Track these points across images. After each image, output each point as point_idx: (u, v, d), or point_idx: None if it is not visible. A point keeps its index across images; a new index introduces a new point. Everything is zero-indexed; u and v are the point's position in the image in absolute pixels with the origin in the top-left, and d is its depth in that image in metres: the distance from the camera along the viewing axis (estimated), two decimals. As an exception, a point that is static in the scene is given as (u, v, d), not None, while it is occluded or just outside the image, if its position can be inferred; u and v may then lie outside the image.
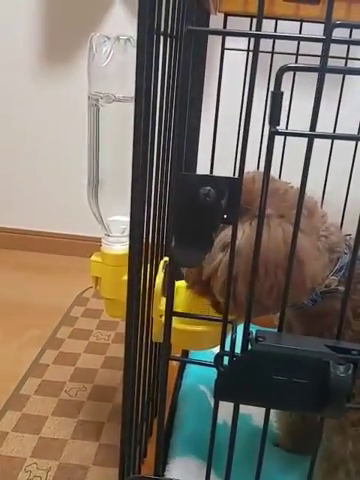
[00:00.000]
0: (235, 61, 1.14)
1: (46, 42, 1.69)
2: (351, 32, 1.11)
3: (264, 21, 1.12)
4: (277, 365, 0.46)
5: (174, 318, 0.71)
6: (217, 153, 1.08)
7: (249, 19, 1.13)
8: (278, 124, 0.40)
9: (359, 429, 0.71)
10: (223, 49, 1.10)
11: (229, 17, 1.11)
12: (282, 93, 0.39)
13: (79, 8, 1.63)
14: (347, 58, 1.16)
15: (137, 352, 0.56)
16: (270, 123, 0.40)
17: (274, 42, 1.15)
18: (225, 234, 0.59)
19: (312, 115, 0.40)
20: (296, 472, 0.87)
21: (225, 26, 1.12)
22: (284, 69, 0.40)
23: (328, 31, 0.38)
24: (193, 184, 0.44)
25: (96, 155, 0.66)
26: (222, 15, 1.11)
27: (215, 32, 0.42)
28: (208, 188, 0.44)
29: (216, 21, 1.10)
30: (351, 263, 0.47)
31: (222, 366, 0.49)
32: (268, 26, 1.12)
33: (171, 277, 0.49)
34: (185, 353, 1.10)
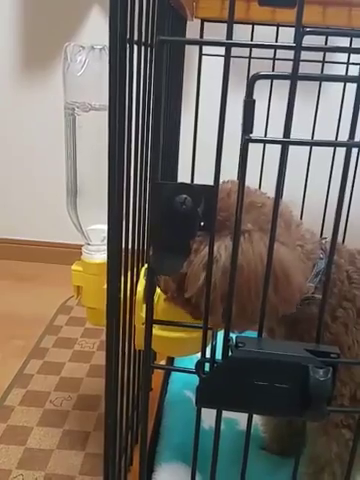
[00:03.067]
0: (215, 65, 1.15)
1: (25, 51, 1.68)
2: (327, 38, 1.12)
3: (242, 26, 1.13)
4: (258, 370, 0.46)
5: (157, 325, 0.71)
6: (199, 160, 1.08)
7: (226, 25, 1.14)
8: (251, 132, 0.40)
9: (342, 430, 0.71)
10: (201, 55, 1.10)
11: (207, 23, 1.12)
12: (254, 101, 0.39)
13: (57, 17, 1.63)
14: (323, 62, 1.18)
15: (119, 361, 0.56)
16: (243, 131, 0.40)
17: (251, 49, 1.16)
18: (206, 252, 0.59)
19: (285, 122, 0.41)
20: (282, 475, 0.87)
21: (202, 32, 1.12)
22: (256, 77, 0.40)
23: (298, 38, 0.38)
24: (169, 192, 0.44)
25: (74, 164, 0.66)
26: (199, 21, 1.13)
27: (186, 42, 0.43)
28: (184, 196, 0.44)
29: (194, 26, 1.10)
30: (327, 268, 0.47)
31: (203, 373, 0.49)
32: (246, 30, 1.14)
33: (150, 285, 0.49)
34: (170, 360, 1.10)
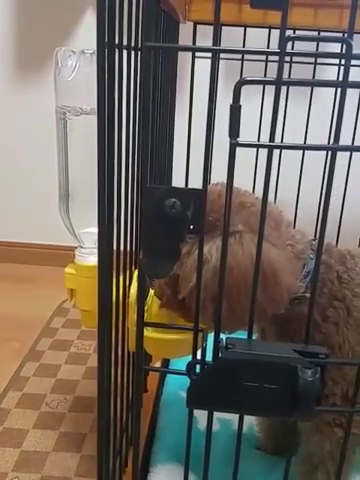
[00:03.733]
0: (209, 67, 1.15)
1: (18, 54, 1.69)
2: (319, 33, 1.13)
3: (234, 28, 1.13)
4: (247, 371, 0.47)
5: (150, 327, 0.72)
6: (194, 163, 1.09)
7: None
8: (238, 136, 0.41)
9: (335, 429, 0.72)
10: (194, 58, 1.11)
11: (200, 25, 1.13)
12: (240, 106, 0.40)
13: (51, 20, 1.63)
14: (315, 64, 1.18)
15: (111, 363, 0.56)
16: (230, 135, 0.41)
17: (243, 45, 1.17)
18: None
19: (271, 126, 0.41)
20: (277, 474, 0.88)
21: (195, 35, 1.13)
22: (242, 82, 0.40)
23: (282, 44, 0.39)
24: (159, 196, 0.45)
25: (65, 167, 0.66)
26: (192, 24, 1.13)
27: (172, 48, 0.43)
28: (173, 200, 0.45)
29: (189, 28, 1.11)
30: (315, 269, 0.48)
31: (194, 374, 0.49)
32: (240, 32, 1.15)
33: (141, 288, 0.49)
34: (165, 361, 1.10)
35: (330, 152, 0.41)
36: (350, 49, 0.39)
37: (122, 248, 0.62)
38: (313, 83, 0.42)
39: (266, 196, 0.44)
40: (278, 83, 0.40)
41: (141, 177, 0.45)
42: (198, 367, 0.49)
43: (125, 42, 0.55)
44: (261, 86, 1.15)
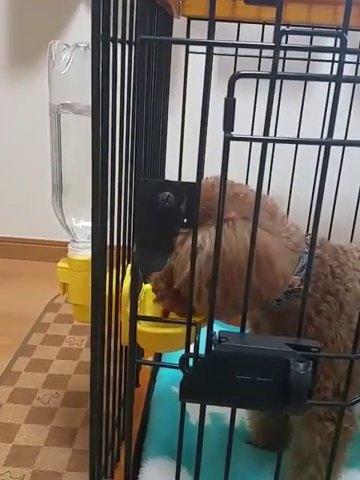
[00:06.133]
0: (202, 62, 1.15)
1: (11, 49, 1.68)
2: (313, 29, 1.13)
3: (228, 24, 1.13)
4: (240, 365, 0.47)
5: (143, 321, 0.72)
6: (188, 157, 1.09)
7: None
8: (232, 130, 0.41)
9: (326, 423, 0.72)
10: (187, 53, 1.11)
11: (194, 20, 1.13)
12: (234, 100, 0.40)
13: (44, 15, 1.62)
14: (309, 60, 1.19)
15: (104, 357, 0.56)
16: (224, 129, 0.41)
17: (237, 39, 1.17)
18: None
19: (265, 120, 0.41)
20: (268, 469, 0.88)
21: (188, 30, 1.13)
22: (236, 76, 0.40)
23: (277, 38, 0.39)
24: (152, 189, 0.45)
25: (59, 162, 0.66)
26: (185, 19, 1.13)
27: (167, 41, 0.43)
28: (167, 193, 0.45)
29: (182, 24, 1.11)
30: (308, 263, 0.48)
31: (187, 368, 0.50)
32: (234, 28, 1.15)
33: (134, 282, 0.49)
34: (158, 355, 1.11)
35: (324, 146, 0.42)
36: (345, 43, 0.39)
37: (115, 242, 0.62)
38: (308, 77, 0.42)
39: (260, 187, 0.44)
40: (273, 77, 0.40)
41: (135, 171, 0.45)
42: (191, 361, 0.49)
43: (119, 36, 0.54)
44: (254, 82, 1.16)
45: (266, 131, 0.41)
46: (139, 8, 0.41)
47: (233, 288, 0.58)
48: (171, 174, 1.14)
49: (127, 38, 0.55)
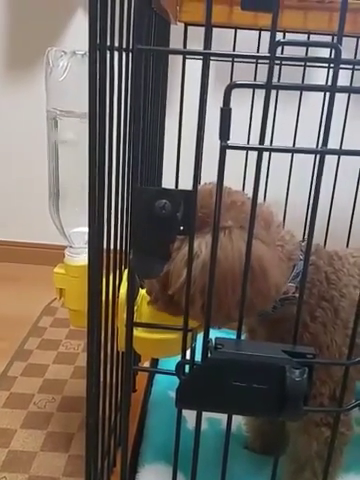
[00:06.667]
0: (200, 68, 1.15)
1: (9, 55, 1.68)
2: (309, 36, 1.14)
3: (224, 30, 1.13)
4: (236, 372, 0.47)
5: (140, 327, 0.72)
6: (185, 165, 1.09)
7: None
8: (228, 139, 0.41)
9: (322, 429, 0.73)
10: (184, 60, 1.11)
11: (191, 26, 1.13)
12: (230, 109, 0.40)
13: (41, 21, 1.63)
14: (305, 66, 1.19)
15: (100, 362, 0.56)
16: (220, 138, 0.41)
17: (234, 47, 1.18)
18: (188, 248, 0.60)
19: (260, 129, 0.42)
20: (265, 473, 0.88)
21: (186, 36, 1.13)
22: (232, 86, 0.41)
23: (272, 49, 0.39)
24: (149, 197, 0.45)
25: (56, 167, 0.66)
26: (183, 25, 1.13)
27: (164, 51, 0.43)
28: (164, 201, 0.45)
29: (180, 29, 1.11)
30: (304, 270, 0.48)
31: (184, 374, 0.50)
32: (229, 34, 1.15)
33: (131, 288, 0.49)
34: (154, 361, 1.11)
35: (318, 156, 0.42)
36: (339, 54, 0.40)
37: (112, 247, 0.62)
38: (302, 87, 0.42)
39: (256, 196, 0.44)
40: (268, 87, 0.40)
41: (131, 178, 0.45)
42: (187, 367, 0.50)
43: (117, 43, 0.55)
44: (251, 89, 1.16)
45: (261, 140, 0.42)
46: (136, 18, 0.42)
47: (226, 298, 0.59)
48: (169, 182, 1.14)
49: (124, 46, 0.56)
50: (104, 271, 0.59)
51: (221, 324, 0.63)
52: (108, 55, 0.48)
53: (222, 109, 0.41)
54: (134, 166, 0.45)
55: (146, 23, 0.71)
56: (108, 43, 0.48)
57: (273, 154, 1.01)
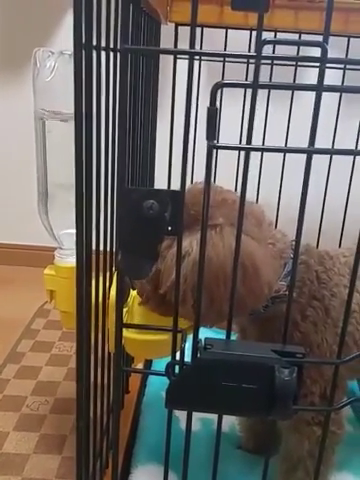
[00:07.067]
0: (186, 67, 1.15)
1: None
2: (300, 35, 1.14)
3: (215, 30, 1.13)
4: (226, 372, 0.47)
5: (131, 328, 0.72)
6: (178, 165, 1.09)
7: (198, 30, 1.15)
8: (215, 138, 0.41)
9: (314, 428, 0.73)
10: (175, 58, 1.11)
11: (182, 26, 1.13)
12: (217, 109, 0.40)
13: (31, 22, 1.62)
14: (296, 66, 1.19)
15: (90, 364, 0.56)
16: (208, 138, 0.41)
17: (225, 47, 1.18)
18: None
19: (248, 129, 0.42)
20: (258, 473, 0.88)
21: (176, 36, 1.13)
22: (218, 86, 0.41)
23: (258, 48, 0.39)
24: (136, 198, 0.45)
25: (44, 168, 0.66)
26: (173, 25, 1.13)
27: (151, 50, 0.43)
28: (151, 201, 0.45)
29: (171, 30, 1.11)
30: (293, 268, 0.48)
31: (174, 375, 0.50)
32: (221, 34, 1.15)
33: (120, 289, 0.49)
34: (148, 362, 1.10)
35: (306, 155, 0.42)
36: (325, 53, 0.40)
37: (102, 248, 0.62)
38: (288, 87, 0.42)
39: (244, 195, 0.44)
40: (255, 87, 0.40)
41: (119, 179, 0.45)
42: (177, 368, 0.50)
43: (104, 43, 0.55)
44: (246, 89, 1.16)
45: (249, 140, 0.41)
46: (122, 17, 0.41)
47: (218, 295, 0.59)
48: (162, 182, 1.14)
49: (112, 46, 0.56)
50: (95, 272, 0.59)
51: (213, 322, 0.63)
52: (95, 55, 0.48)
53: (209, 109, 0.41)
54: (120, 167, 0.45)
55: (135, 23, 0.71)
56: (94, 43, 0.48)
57: (267, 155, 1.01)
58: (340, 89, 0.46)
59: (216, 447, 0.53)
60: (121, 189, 0.46)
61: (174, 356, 0.51)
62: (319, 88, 0.40)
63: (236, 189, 1.14)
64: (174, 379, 0.49)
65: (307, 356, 0.69)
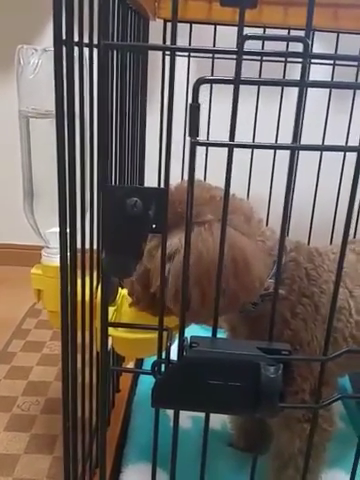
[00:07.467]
0: (181, 65, 1.15)
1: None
2: (289, 31, 1.14)
3: (205, 26, 1.12)
4: (211, 370, 0.47)
5: (120, 327, 0.71)
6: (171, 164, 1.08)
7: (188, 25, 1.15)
8: (197, 135, 0.41)
9: (304, 425, 0.73)
10: (164, 54, 1.10)
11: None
12: (199, 105, 0.40)
13: (19, 19, 1.61)
14: (285, 62, 1.19)
15: (77, 364, 0.56)
16: (190, 134, 0.41)
17: (214, 44, 1.18)
18: (168, 244, 0.60)
19: (230, 125, 0.41)
20: (248, 471, 0.88)
21: (165, 32, 1.13)
22: (201, 81, 0.40)
23: (240, 44, 0.39)
24: (120, 196, 0.44)
25: (29, 167, 0.65)
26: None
27: (132, 46, 0.43)
28: (135, 199, 0.44)
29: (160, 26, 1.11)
30: (278, 267, 0.48)
31: (160, 373, 0.49)
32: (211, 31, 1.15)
33: (104, 288, 0.49)
34: (139, 361, 1.10)
35: (289, 151, 0.42)
36: (307, 48, 0.39)
37: (89, 247, 0.62)
38: (271, 82, 0.42)
39: (228, 190, 0.44)
40: (236, 82, 0.40)
41: (102, 177, 0.45)
42: (163, 366, 0.49)
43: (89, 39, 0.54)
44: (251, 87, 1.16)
45: (232, 136, 0.41)
46: (103, 13, 0.41)
47: (210, 291, 0.58)
48: (153, 180, 1.14)
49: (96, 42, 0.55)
50: (81, 271, 0.59)
51: (206, 319, 0.63)
52: (76, 52, 0.48)
53: (191, 105, 0.40)
54: (103, 164, 0.45)
55: (121, 19, 0.70)
56: (77, 39, 0.48)
57: (259, 151, 1.01)
58: (323, 85, 0.46)
59: (203, 446, 0.53)
60: (104, 187, 0.45)
61: (160, 355, 0.50)
62: (302, 84, 0.39)
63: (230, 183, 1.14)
64: (160, 378, 0.49)
65: (296, 353, 0.69)
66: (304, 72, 0.39)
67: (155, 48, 0.40)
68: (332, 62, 1.21)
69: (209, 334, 0.49)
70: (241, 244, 0.61)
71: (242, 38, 0.39)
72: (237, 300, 0.62)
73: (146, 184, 1.15)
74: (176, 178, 0.61)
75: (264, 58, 1.11)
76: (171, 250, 0.61)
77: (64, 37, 0.43)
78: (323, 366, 0.51)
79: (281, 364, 0.45)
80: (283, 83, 0.37)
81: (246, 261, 0.60)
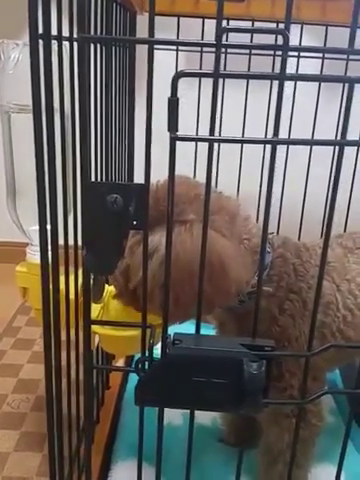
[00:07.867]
0: (169, 59, 1.14)
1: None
2: (278, 24, 1.13)
3: (192, 20, 1.11)
4: (195, 367, 0.46)
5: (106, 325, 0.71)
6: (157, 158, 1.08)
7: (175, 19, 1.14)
8: (177, 130, 0.40)
9: (293, 421, 0.72)
10: (151, 50, 1.09)
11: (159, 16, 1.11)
12: (178, 99, 0.39)
13: (5, 14, 1.59)
14: (274, 56, 1.18)
15: (60, 361, 0.55)
16: (169, 129, 0.40)
17: (202, 37, 1.16)
18: (149, 241, 0.59)
19: (210, 119, 0.41)
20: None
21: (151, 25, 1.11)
22: (180, 75, 0.40)
23: (218, 36, 0.38)
24: (100, 192, 0.44)
25: (11, 163, 0.64)
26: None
27: (111, 39, 0.42)
28: (115, 195, 0.44)
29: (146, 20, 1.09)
30: (260, 264, 0.48)
31: (143, 371, 0.49)
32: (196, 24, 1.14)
33: (85, 285, 0.48)
34: (130, 358, 1.10)
35: (271, 146, 0.41)
36: (287, 41, 0.39)
37: (73, 244, 0.61)
38: (250, 76, 0.41)
39: (209, 188, 0.43)
40: (215, 76, 0.39)
41: (82, 174, 0.44)
42: (147, 364, 0.49)
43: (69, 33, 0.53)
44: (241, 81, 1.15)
45: (212, 131, 0.41)
46: (79, 5, 0.40)
47: (183, 294, 0.57)
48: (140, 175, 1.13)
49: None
50: (65, 268, 0.58)
51: (180, 320, 0.62)
52: (55, 45, 0.47)
53: (170, 99, 0.40)
54: (84, 159, 0.44)
55: (105, 13, 0.69)
56: (55, 32, 0.47)
57: (252, 147, 1.00)
58: (302, 77, 0.45)
59: (189, 443, 0.53)
60: (84, 183, 0.45)
61: (144, 352, 0.50)
62: (281, 77, 0.39)
63: (217, 182, 1.13)
64: (143, 375, 0.48)
65: (285, 350, 0.69)
66: (284, 65, 0.39)
67: (133, 41, 0.39)
68: (321, 55, 1.20)
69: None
70: (218, 247, 0.60)
71: (220, 30, 0.39)
72: (212, 303, 0.61)
73: (136, 181, 1.14)
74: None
75: (252, 51, 1.10)
76: (151, 248, 0.59)
77: (41, 31, 0.42)
78: (308, 361, 0.50)
79: (264, 360, 0.45)
80: (262, 77, 0.36)
81: (222, 265, 0.59)
